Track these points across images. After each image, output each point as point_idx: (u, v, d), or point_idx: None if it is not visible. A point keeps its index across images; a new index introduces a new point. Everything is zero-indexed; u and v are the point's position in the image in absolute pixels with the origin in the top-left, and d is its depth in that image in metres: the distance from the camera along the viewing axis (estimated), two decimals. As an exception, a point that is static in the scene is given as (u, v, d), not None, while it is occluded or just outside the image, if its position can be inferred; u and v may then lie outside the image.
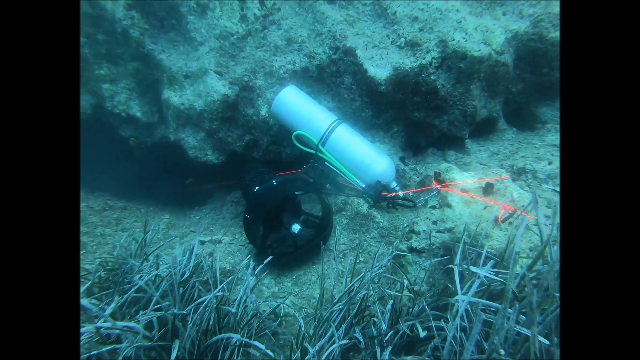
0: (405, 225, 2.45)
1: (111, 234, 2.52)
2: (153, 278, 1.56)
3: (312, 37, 2.80)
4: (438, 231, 1.84)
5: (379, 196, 2.41)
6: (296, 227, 2.09)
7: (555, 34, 2.67)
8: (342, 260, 2.24)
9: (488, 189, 1.85)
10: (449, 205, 1.87)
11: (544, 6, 2.77)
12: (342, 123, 2.59)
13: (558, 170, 2.37)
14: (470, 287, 1.24)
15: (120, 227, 2.64)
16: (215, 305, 1.46)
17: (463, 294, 1.21)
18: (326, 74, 2.84)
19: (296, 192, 2.31)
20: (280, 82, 2.81)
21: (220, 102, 2.80)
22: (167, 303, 1.43)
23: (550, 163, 2.45)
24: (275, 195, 2.08)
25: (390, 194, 2.48)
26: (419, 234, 1.90)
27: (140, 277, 1.55)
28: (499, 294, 1.38)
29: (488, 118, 3.04)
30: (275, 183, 2.15)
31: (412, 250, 1.88)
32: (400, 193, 2.54)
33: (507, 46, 2.70)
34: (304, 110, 2.59)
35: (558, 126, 2.87)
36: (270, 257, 1.85)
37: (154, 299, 1.42)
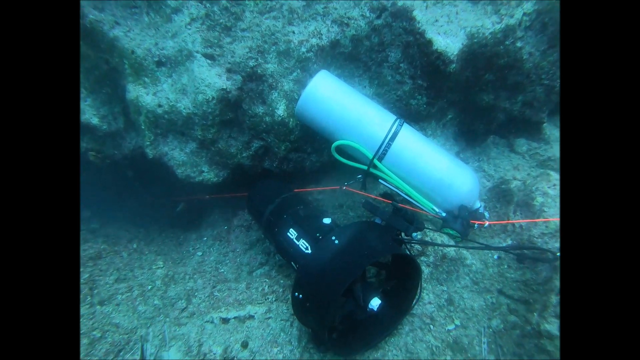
0: (496, 257, 1.81)
1: (84, 313, 1.71)
2: None
3: (343, -7, 1.90)
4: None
5: (467, 228, 1.72)
6: (376, 302, 1.38)
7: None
8: (431, 326, 1.59)
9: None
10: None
11: None
12: (404, 124, 1.80)
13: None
14: None
15: (97, 297, 1.82)
16: None
17: None
18: (364, 48, 1.99)
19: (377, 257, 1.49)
20: (302, 66, 1.94)
21: (217, 101, 1.91)
22: None
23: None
24: (349, 270, 1.26)
25: (482, 223, 1.79)
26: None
27: None
28: None
29: (571, 93, 2.33)
30: (337, 242, 1.34)
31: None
32: (487, 219, 1.86)
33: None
34: (347, 109, 1.76)
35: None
36: None
37: None
